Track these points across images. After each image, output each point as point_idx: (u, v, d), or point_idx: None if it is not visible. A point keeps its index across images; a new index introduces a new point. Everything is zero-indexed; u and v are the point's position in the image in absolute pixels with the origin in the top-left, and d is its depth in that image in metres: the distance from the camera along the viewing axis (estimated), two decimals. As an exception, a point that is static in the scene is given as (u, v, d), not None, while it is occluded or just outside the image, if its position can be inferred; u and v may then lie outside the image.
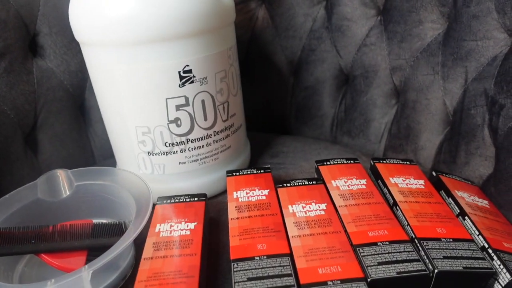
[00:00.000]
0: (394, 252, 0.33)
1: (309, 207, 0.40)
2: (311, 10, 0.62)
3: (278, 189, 0.43)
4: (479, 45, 0.46)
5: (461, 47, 0.48)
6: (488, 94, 0.45)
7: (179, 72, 0.40)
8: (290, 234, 0.36)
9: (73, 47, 0.55)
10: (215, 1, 0.41)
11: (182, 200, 0.42)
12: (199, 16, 0.39)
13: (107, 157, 0.61)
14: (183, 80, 0.41)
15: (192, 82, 0.41)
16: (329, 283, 0.30)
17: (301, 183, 0.44)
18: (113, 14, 0.38)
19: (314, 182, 0.44)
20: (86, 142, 0.60)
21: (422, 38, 0.53)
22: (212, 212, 0.46)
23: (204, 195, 0.43)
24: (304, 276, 0.31)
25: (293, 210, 0.40)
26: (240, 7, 0.64)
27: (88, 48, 0.42)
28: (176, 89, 0.41)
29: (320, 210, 0.39)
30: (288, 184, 0.44)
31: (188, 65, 0.40)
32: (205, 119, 0.44)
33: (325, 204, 0.40)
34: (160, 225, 0.38)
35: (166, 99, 0.41)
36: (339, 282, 0.30)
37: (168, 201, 0.42)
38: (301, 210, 0.39)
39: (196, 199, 0.42)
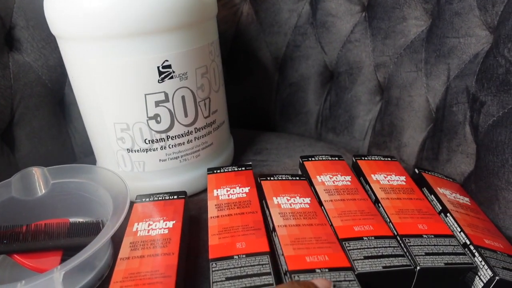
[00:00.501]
0: (379, 247, 0.33)
1: (294, 200, 0.40)
2: (296, 5, 0.61)
3: (262, 182, 0.43)
4: (461, 42, 0.46)
5: (443, 44, 0.48)
6: (469, 91, 0.45)
7: (158, 67, 0.39)
8: (276, 224, 0.36)
9: (51, 41, 0.53)
10: (195, -6, 0.40)
11: (161, 198, 0.41)
12: (179, 10, 0.38)
13: (88, 154, 0.60)
14: (162, 76, 0.40)
15: (172, 77, 0.40)
16: (317, 270, 0.30)
17: (285, 178, 0.44)
18: (89, 7, 0.37)
19: (297, 178, 0.44)
20: (66, 138, 0.59)
21: (406, 35, 0.53)
22: (193, 210, 0.45)
23: (184, 192, 0.42)
24: (292, 263, 0.31)
25: (277, 201, 0.39)
26: (224, 2, 0.63)
27: (64, 42, 0.41)
28: (155, 85, 0.40)
29: (304, 203, 0.39)
30: (272, 178, 0.43)
31: (167, 60, 0.40)
32: (186, 115, 0.43)
33: (309, 198, 0.40)
34: (138, 224, 0.37)
35: (145, 95, 0.40)
36: (327, 270, 0.30)
37: (147, 199, 0.41)
38: (286, 202, 0.39)
39: (175, 197, 0.41)
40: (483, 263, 0.32)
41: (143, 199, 0.41)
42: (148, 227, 0.37)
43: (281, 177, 0.43)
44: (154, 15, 0.37)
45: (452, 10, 0.46)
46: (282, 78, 0.65)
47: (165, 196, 0.41)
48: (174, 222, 0.37)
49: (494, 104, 0.41)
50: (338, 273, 0.30)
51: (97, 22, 0.37)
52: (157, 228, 0.36)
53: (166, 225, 0.37)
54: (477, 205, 0.43)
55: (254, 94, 0.67)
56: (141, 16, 0.37)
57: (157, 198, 0.41)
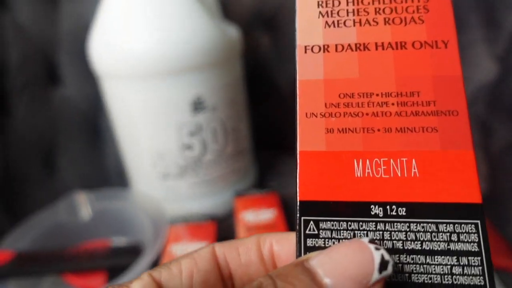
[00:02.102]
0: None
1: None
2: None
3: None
4: (469, 72, 0.49)
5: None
6: (479, 118, 0.48)
7: (192, 101, 0.43)
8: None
9: (88, 75, 0.58)
10: (224, 35, 0.44)
11: (195, 221, 0.44)
12: (208, 50, 0.43)
13: (120, 176, 0.64)
14: (196, 109, 0.44)
15: (204, 110, 0.44)
16: None
17: None
18: (130, 48, 0.41)
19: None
20: (100, 162, 0.63)
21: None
22: (223, 232, 0.48)
23: (216, 215, 0.45)
24: None
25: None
26: (244, 35, 0.67)
27: (106, 80, 0.46)
28: (189, 117, 0.44)
29: None
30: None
31: (199, 95, 0.44)
32: (216, 143, 0.47)
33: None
34: (174, 245, 0.41)
35: (180, 126, 0.44)
36: None
37: (181, 221, 0.45)
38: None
39: (208, 219, 0.45)
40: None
41: (177, 222, 0.45)
42: (185, 249, 0.40)
43: None
44: (189, 55, 0.42)
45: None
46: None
47: (198, 219, 0.45)
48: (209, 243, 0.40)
49: (504, 130, 0.44)
50: None
51: (137, 62, 0.41)
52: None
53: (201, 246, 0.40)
54: (491, 227, 0.45)
55: (274, 119, 0.71)
56: (177, 56, 0.41)
57: (190, 221, 0.44)
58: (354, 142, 0.14)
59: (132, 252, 0.41)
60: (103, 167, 0.63)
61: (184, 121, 0.44)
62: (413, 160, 0.13)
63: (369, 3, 0.14)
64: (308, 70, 0.15)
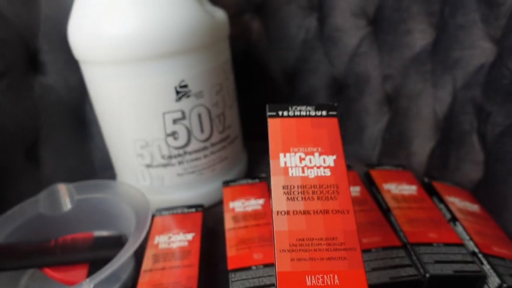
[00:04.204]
0: (387, 258, 0.34)
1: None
2: (303, 21, 0.63)
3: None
4: (466, 54, 0.47)
5: (448, 56, 0.49)
6: (475, 101, 0.46)
7: (175, 87, 0.42)
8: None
9: (72, 63, 0.56)
10: (208, 18, 0.42)
11: (180, 211, 0.43)
12: (194, 33, 0.41)
13: (107, 169, 0.62)
14: (180, 95, 0.42)
15: (189, 96, 0.43)
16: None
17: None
18: (111, 33, 0.39)
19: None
20: (87, 154, 0.61)
21: (412, 48, 0.54)
22: (209, 222, 0.47)
23: (202, 205, 0.44)
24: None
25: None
26: (234, 20, 0.65)
27: (87, 66, 0.44)
28: (172, 104, 0.42)
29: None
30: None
31: (184, 80, 0.42)
32: (202, 131, 0.45)
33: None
34: (158, 237, 0.39)
35: (163, 113, 0.42)
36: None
37: (166, 212, 0.43)
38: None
39: (193, 210, 0.43)
40: (491, 270, 0.33)
41: (163, 212, 0.43)
42: (169, 239, 0.39)
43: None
44: (170, 39, 0.40)
45: (456, 24, 0.48)
46: (292, 91, 0.67)
47: (183, 210, 0.43)
48: (193, 234, 0.39)
49: (500, 114, 0.42)
50: None
51: (117, 47, 0.39)
52: (177, 240, 0.38)
53: (185, 237, 0.39)
54: (486, 212, 0.43)
55: (265, 106, 0.69)
56: (159, 40, 0.39)
57: (175, 211, 0.43)
58: (305, 266, 0.23)
59: (115, 244, 0.40)
60: (90, 160, 0.62)
61: (167, 108, 0.42)
62: (336, 276, 0.23)
63: (309, 188, 0.26)
64: (279, 224, 0.25)
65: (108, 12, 0.40)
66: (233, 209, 0.43)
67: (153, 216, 0.42)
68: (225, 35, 0.47)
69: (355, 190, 0.45)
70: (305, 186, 0.26)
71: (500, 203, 0.42)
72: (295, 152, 0.28)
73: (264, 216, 0.41)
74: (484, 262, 0.34)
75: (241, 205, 0.43)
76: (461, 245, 0.36)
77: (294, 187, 0.26)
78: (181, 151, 0.45)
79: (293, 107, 0.31)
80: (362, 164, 0.59)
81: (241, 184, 0.47)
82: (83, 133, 0.61)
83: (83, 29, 0.41)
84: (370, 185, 0.48)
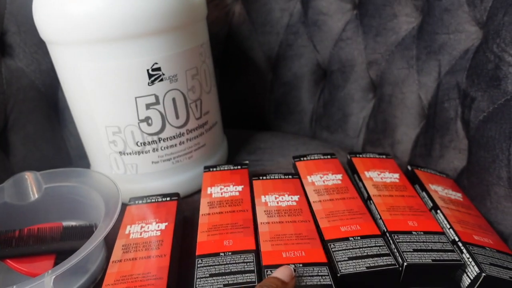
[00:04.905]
0: (365, 247, 0.33)
1: (282, 198, 0.40)
2: (287, 4, 0.61)
3: (254, 181, 0.43)
4: (451, 38, 0.46)
5: (434, 40, 0.48)
6: (460, 87, 0.45)
7: (148, 70, 0.40)
8: (259, 221, 0.36)
9: (43, 46, 0.53)
10: (183, -4, 0.40)
11: (154, 200, 0.41)
12: (167, 13, 0.39)
13: (83, 157, 0.59)
14: (152, 78, 0.40)
15: (162, 80, 0.41)
16: (292, 265, 0.31)
17: (277, 177, 0.44)
18: (78, 12, 0.37)
19: (290, 176, 0.44)
20: (61, 142, 0.59)
21: (397, 32, 0.53)
22: (187, 211, 0.45)
23: (177, 194, 0.42)
24: (268, 259, 0.32)
25: (265, 200, 0.40)
26: (215, 3, 0.63)
27: (54, 47, 0.41)
28: (145, 88, 0.40)
29: (292, 201, 0.39)
30: (264, 177, 0.44)
31: (156, 63, 0.40)
32: (177, 117, 0.43)
33: (298, 196, 0.40)
34: (130, 227, 0.38)
35: (136, 97, 0.40)
36: (301, 265, 0.31)
37: (140, 201, 0.41)
38: (274, 200, 0.40)
39: (168, 198, 0.41)
40: (470, 259, 0.32)
41: (136, 201, 0.41)
42: (141, 229, 0.37)
43: (274, 176, 0.44)
44: (141, 18, 0.37)
45: (441, 7, 0.46)
46: (275, 77, 0.65)
47: (158, 198, 0.41)
48: (166, 224, 0.37)
49: (484, 100, 0.41)
50: (312, 268, 0.31)
51: (85, 26, 0.37)
52: (150, 230, 0.37)
53: (158, 227, 0.37)
54: (469, 200, 0.43)
55: (248, 93, 0.67)
56: (129, 20, 0.37)
57: (150, 200, 0.41)
58: (281, 247, 0.34)
59: (85, 235, 0.38)
60: (65, 148, 0.59)
61: (139, 92, 0.40)
62: (302, 251, 0.33)
63: (282, 211, 0.38)
64: (262, 229, 0.36)
65: (76, -10, 0.37)
66: (210, 195, 0.41)
67: (125, 205, 0.41)
68: (202, 16, 0.45)
69: (337, 178, 0.43)
70: (279, 210, 0.38)
71: (483, 191, 0.41)
72: (272, 194, 0.40)
73: (240, 203, 0.40)
74: (464, 250, 0.33)
75: (219, 190, 0.42)
76: (442, 233, 0.35)
77: (272, 211, 0.38)
78: (155, 138, 0.43)
79: (269, 175, 0.44)
80: (346, 152, 0.58)
81: (222, 170, 0.46)
82: (56, 119, 0.58)
83: (48, 7, 0.39)
84: (353, 173, 0.46)
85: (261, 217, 0.37)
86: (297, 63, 0.63)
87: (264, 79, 0.66)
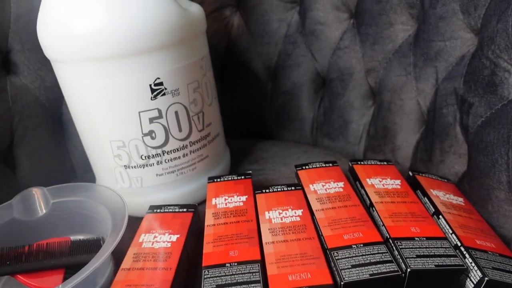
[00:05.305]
0: (368, 254, 0.34)
1: (285, 213, 0.40)
2: (284, 15, 0.62)
3: (257, 195, 0.43)
4: (447, 45, 0.47)
5: (430, 47, 0.49)
6: (458, 93, 0.46)
7: (150, 85, 0.40)
8: (264, 241, 0.36)
9: (47, 63, 0.55)
10: (182, 13, 0.41)
11: (171, 210, 0.42)
12: (168, 29, 0.40)
13: (88, 171, 0.60)
14: (155, 93, 0.41)
15: (164, 94, 0.41)
16: None
17: (280, 189, 0.44)
18: (79, 30, 0.38)
19: (292, 188, 0.45)
20: (66, 156, 0.60)
21: (394, 40, 0.53)
22: (195, 223, 0.46)
23: (194, 206, 0.43)
24: (274, 283, 0.31)
25: (269, 216, 0.40)
26: (214, 15, 0.64)
27: (58, 65, 0.42)
28: (148, 102, 0.41)
29: (295, 216, 0.40)
30: (267, 190, 0.44)
31: (158, 78, 0.41)
32: (180, 130, 0.44)
33: (301, 210, 0.40)
34: (144, 235, 0.38)
35: (139, 112, 0.41)
36: None
37: (158, 210, 0.42)
38: (277, 216, 0.40)
39: (185, 210, 0.42)
40: (473, 264, 0.32)
41: (155, 210, 0.42)
42: (153, 239, 0.38)
43: (277, 189, 0.44)
44: (142, 35, 0.38)
45: (436, 15, 0.47)
46: (275, 86, 0.66)
47: (175, 209, 0.42)
48: (178, 236, 0.38)
49: (481, 105, 0.42)
50: None
51: (87, 45, 0.38)
52: (161, 241, 0.37)
53: (170, 238, 0.38)
54: (471, 205, 0.43)
55: (249, 103, 0.68)
56: (130, 37, 0.38)
57: (167, 210, 0.42)
58: (287, 270, 0.34)
59: (93, 248, 0.39)
60: (70, 162, 0.60)
61: (143, 106, 0.41)
62: (308, 273, 0.33)
63: (286, 228, 0.38)
64: (267, 249, 0.36)
65: (78, 8, 0.38)
66: (215, 205, 0.42)
67: (133, 217, 0.41)
68: (201, 31, 0.46)
69: (339, 186, 0.44)
70: (283, 227, 0.38)
71: (484, 195, 0.41)
72: (275, 210, 0.41)
73: (245, 213, 0.40)
74: (467, 255, 0.34)
75: (223, 201, 0.42)
76: (444, 238, 0.36)
77: (276, 228, 0.38)
78: (159, 151, 0.44)
79: (272, 187, 0.45)
80: (348, 159, 0.59)
81: (226, 180, 0.46)
82: (61, 134, 0.59)
83: (52, 26, 0.40)
84: (354, 180, 0.47)
85: (266, 237, 0.37)
86: (296, 72, 0.64)
87: (264, 89, 0.66)
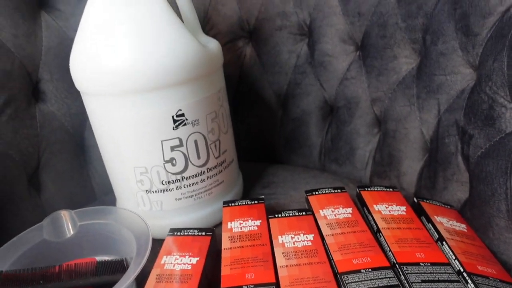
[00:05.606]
0: (376, 279, 0.36)
1: (298, 237, 0.43)
2: (294, 47, 0.66)
3: (270, 220, 0.46)
4: (448, 79, 0.50)
5: (432, 80, 0.52)
6: (459, 124, 0.49)
7: (173, 116, 0.44)
8: (278, 264, 0.39)
9: (73, 91, 0.59)
10: (203, 50, 0.45)
11: (191, 234, 0.44)
12: (190, 65, 0.43)
13: (106, 193, 0.64)
14: (177, 123, 0.44)
15: (185, 124, 0.45)
16: None
17: (291, 214, 0.47)
18: (110, 67, 0.41)
19: (303, 213, 0.47)
20: (87, 179, 0.63)
21: (398, 72, 0.57)
22: (213, 246, 0.48)
23: (212, 230, 0.45)
24: None
25: (282, 240, 0.42)
26: (228, 46, 0.68)
27: (88, 97, 0.46)
28: (170, 132, 0.44)
29: (307, 241, 0.42)
30: (279, 215, 0.47)
31: (180, 110, 0.44)
32: (199, 157, 0.47)
33: (313, 235, 0.43)
34: (166, 257, 0.41)
35: (162, 141, 0.44)
36: None
37: (178, 233, 0.45)
38: (290, 240, 0.42)
39: (203, 233, 0.45)
40: (474, 289, 0.35)
41: (175, 233, 0.45)
42: (175, 261, 0.40)
43: (289, 214, 0.47)
44: (168, 71, 0.42)
45: (437, 51, 0.51)
46: (285, 113, 0.69)
47: (194, 232, 0.45)
48: (198, 258, 0.40)
49: (481, 137, 0.45)
50: None
51: (117, 80, 0.42)
52: (182, 263, 0.40)
53: (190, 261, 0.40)
54: (473, 231, 0.45)
55: (260, 129, 0.71)
56: (156, 73, 0.42)
57: (187, 233, 0.44)
58: None
59: (117, 269, 0.41)
60: (90, 184, 0.63)
61: (165, 136, 0.44)
62: None
63: (298, 252, 0.41)
64: (281, 272, 0.38)
65: (107, 46, 0.42)
66: (231, 229, 0.44)
67: (163, 240, 0.44)
68: (219, 65, 0.49)
69: (347, 212, 0.47)
70: (296, 251, 0.41)
71: (485, 222, 0.44)
72: (288, 234, 0.43)
73: (259, 237, 0.43)
74: (469, 281, 0.36)
75: (238, 225, 0.45)
76: (448, 264, 0.38)
77: (289, 252, 0.40)
78: (179, 177, 0.47)
79: (284, 212, 0.47)
80: (355, 184, 0.61)
81: (240, 204, 0.49)
82: (82, 158, 0.62)
83: (84, 63, 0.44)
84: (362, 206, 0.50)
85: (280, 260, 0.39)
86: (305, 101, 0.67)
87: (275, 116, 0.70)
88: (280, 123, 0.70)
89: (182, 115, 0.44)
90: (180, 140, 0.45)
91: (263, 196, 0.51)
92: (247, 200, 0.50)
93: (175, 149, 0.45)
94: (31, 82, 0.55)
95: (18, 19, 0.52)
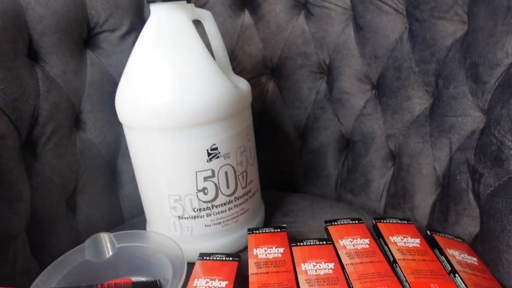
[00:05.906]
0: (394, 307, 0.39)
1: (319, 265, 0.46)
2: (314, 84, 0.71)
3: (293, 248, 0.49)
4: (459, 120, 0.54)
5: (444, 121, 0.56)
6: (469, 163, 0.52)
7: (207, 149, 0.48)
8: None
9: (110, 121, 0.64)
10: (236, 91, 0.50)
11: (219, 259, 0.48)
12: (224, 105, 0.48)
13: (135, 216, 0.68)
14: (211, 156, 0.49)
15: (218, 157, 0.49)
16: None
17: (312, 243, 0.50)
18: (152, 105, 0.46)
19: (324, 242, 0.51)
20: (117, 202, 0.67)
21: (411, 111, 0.61)
22: (241, 271, 0.51)
23: (238, 255, 0.49)
24: None
25: (305, 268, 0.46)
26: (252, 82, 0.73)
27: (130, 130, 0.51)
28: (204, 164, 0.49)
29: (328, 269, 0.45)
30: (301, 243, 0.50)
31: (214, 144, 0.49)
32: (228, 187, 0.51)
33: (333, 263, 0.46)
34: (197, 280, 0.44)
35: (196, 172, 0.49)
36: None
37: (207, 258, 0.48)
38: (312, 268, 0.46)
39: (231, 258, 0.48)
40: (486, 320, 0.37)
41: (205, 257, 0.48)
42: (206, 284, 0.43)
43: (310, 242, 0.50)
44: (205, 111, 0.47)
45: (449, 94, 0.55)
46: (303, 145, 0.74)
47: (222, 257, 0.48)
48: (227, 282, 0.44)
49: (490, 176, 0.48)
50: None
51: (158, 116, 0.46)
52: (213, 286, 0.43)
53: (220, 284, 0.43)
54: (484, 265, 0.48)
55: (279, 159, 0.76)
56: (195, 112, 0.46)
57: (215, 258, 0.48)
58: None
59: (152, 290, 0.45)
60: (119, 207, 0.68)
61: (200, 167, 0.49)
62: None
63: (320, 280, 0.44)
64: None
65: (150, 86, 0.47)
66: (256, 256, 0.48)
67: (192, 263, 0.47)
68: (248, 103, 0.54)
69: (365, 242, 0.50)
70: (318, 279, 0.44)
71: (495, 257, 0.47)
72: (310, 262, 0.47)
73: (283, 264, 0.46)
74: (481, 312, 0.39)
75: (263, 252, 0.48)
76: (460, 295, 0.41)
77: (312, 280, 0.43)
78: (209, 205, 0.51)
79: (305, 241, 0.51)
80: (369, 214, 0.65)
81: (264, 232, 0.53)
82: (114, 182, 0.67)
83: (128, 100, 0.49)
84: (378, 237, 0.53)
85: (303, 287, 0.42)
86: (323, 134, 0.72)
87: (294, 147, 0.74)
88: (299, 154, 0.74)
89: (216, 148, 0.49)
90: (213, 171, 0.49)
91: (285, 225, 0.54)
92: (270, 228, 0.53)
93: (208, 179, 0.49)
94: (74, 112, 0.61)
95: (68, 57, 0.58)
